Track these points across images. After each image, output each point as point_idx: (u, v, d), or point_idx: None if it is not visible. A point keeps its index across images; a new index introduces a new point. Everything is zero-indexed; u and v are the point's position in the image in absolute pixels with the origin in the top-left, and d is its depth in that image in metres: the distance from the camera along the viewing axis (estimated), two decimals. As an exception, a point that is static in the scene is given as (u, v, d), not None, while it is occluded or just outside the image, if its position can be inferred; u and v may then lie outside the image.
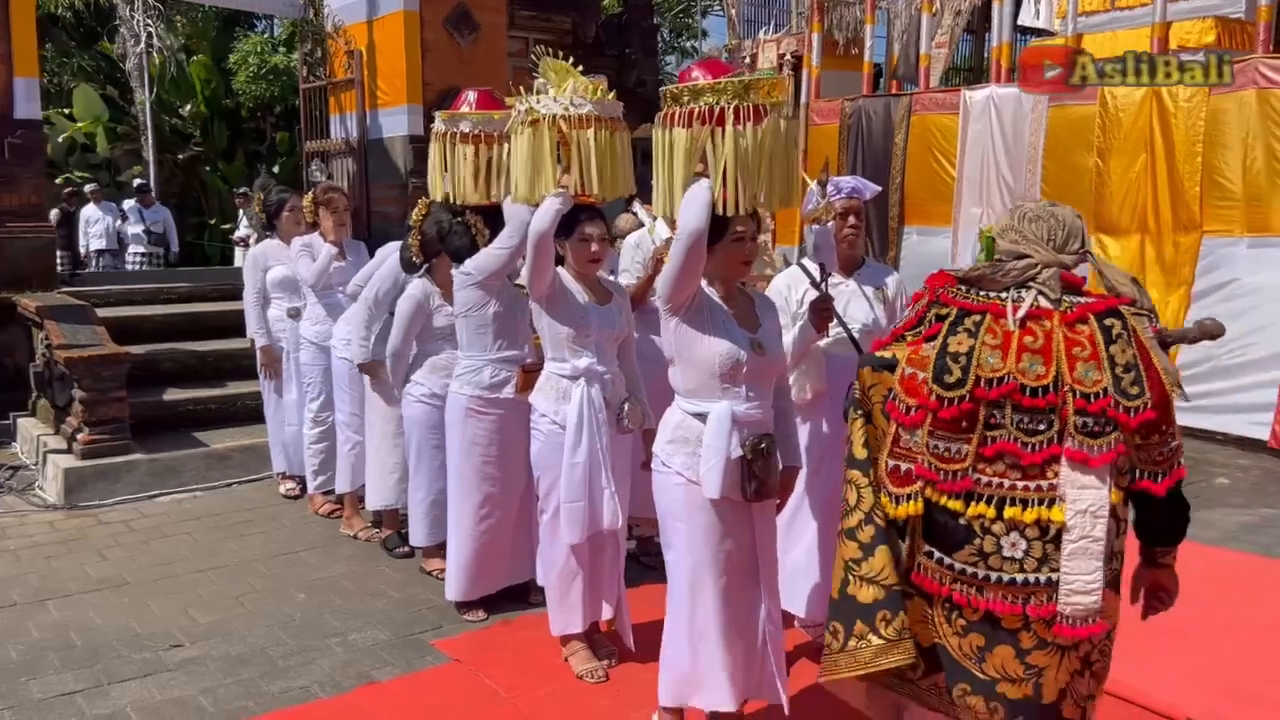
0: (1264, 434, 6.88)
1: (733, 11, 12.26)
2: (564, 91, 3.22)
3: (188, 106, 18.97)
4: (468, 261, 3.97)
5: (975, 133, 8.81)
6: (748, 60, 11.29)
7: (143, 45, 16.22)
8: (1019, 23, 10.07)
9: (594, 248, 3.57)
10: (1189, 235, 7.41)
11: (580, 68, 3.38)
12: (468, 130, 3.99)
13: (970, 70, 13.68)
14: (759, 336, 2.97)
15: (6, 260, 7.20)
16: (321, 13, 9.82)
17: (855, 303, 3.53)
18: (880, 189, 4.13)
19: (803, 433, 3.61)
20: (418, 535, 4.62)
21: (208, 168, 19.12)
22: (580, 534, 3.54)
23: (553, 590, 3.71)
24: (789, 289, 3.58)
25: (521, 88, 3.41)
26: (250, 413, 6.66)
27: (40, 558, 4.95)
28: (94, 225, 13.16)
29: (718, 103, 2.78)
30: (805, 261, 3.66)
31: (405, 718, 3.43)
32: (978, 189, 8.82)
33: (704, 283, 2.94)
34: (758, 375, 2.95)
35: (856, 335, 3.46)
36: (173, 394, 6.88)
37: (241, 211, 13.97)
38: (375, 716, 3.43)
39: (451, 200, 4.11)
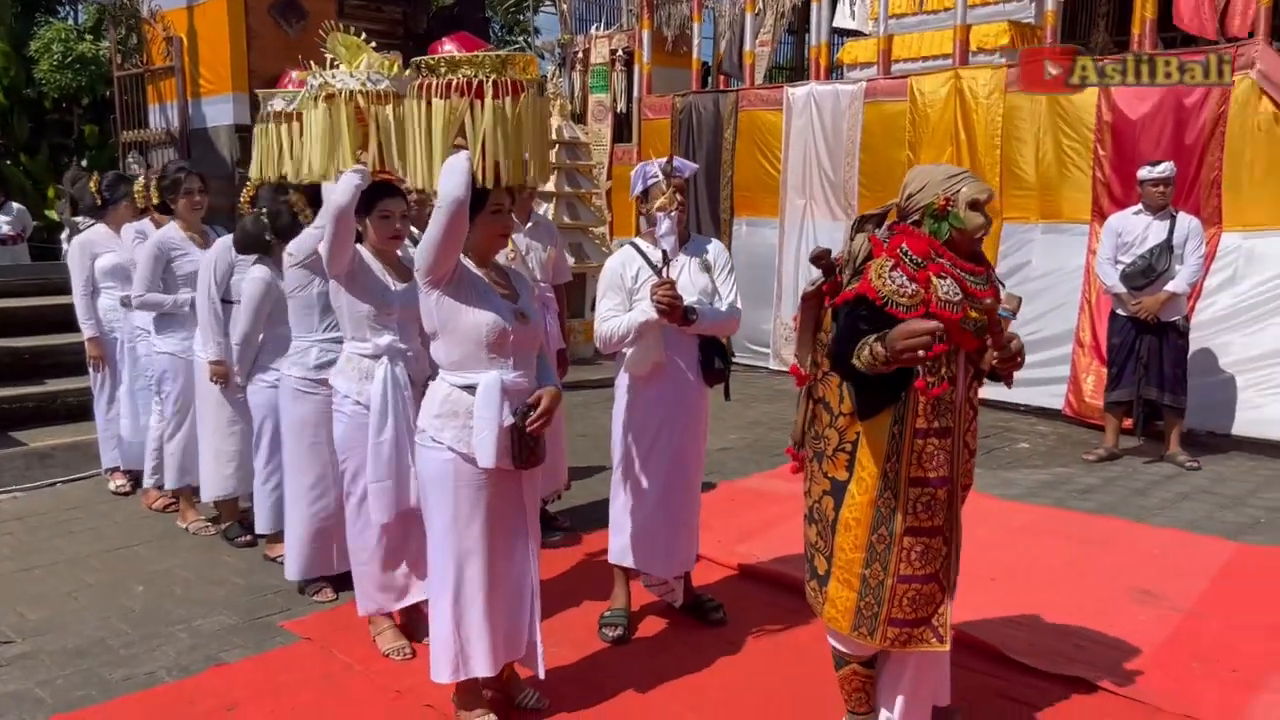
0: (1060, 404, 7.54)
1: (564, 7, 12.41)
2: (359, 67, 3.26)
3: (-17, 96, 17.70)
4: (291, 243, 3.97)
5: (798, 128, 9.25)
6: (580, 55, 11.49)
7: (-69, 30, 15.07)
8: (835, 24, 10.60)
9: (396, 224, 3.60)
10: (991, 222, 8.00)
11: (373, 44, 3.43)
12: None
13: (793, 69, 14.26)
14: (520, 306, 3.07)
15: None
16: (136, -3, 9.47)
17: (687, 274, 3.72)
18: (697, 167, 4.33)
19: (643, 402, 3.79)
20: (262, 522, 4.59)
21: (8, 161, 17.90)
22: (389, 513, 3.56)
23: (361, 571, 3.74)
24: (623, 266, 3.74)
25: (313, 62, 3.43)
26: (73, 410, 6.41)
27: None
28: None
29: (476, 75, 2.83)
30: (638, 241, 3.83)
31: (258, 695, 3.42)
32: (801, 181, 9.26)
33: (461, 255, 3.00)
34: (523, 344, 3.05)
35: (692, 303, 3.63)
36: (-16, 393, 6.53)
37: None
38: (226, 696, 3.41)
39: (287, 180, 4.07)
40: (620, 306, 3.70)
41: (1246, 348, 6.73)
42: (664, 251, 3.59)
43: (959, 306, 2.66)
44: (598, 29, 11.80)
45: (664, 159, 3.65)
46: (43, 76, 17.30)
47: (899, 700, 2.94)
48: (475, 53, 2.90)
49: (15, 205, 13.07)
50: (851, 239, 2.84)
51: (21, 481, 5.81)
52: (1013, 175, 7.82)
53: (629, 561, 3.89)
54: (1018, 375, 2.93)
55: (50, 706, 3.35)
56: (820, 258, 2.78)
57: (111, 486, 5.76)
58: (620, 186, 10.93)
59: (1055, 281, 7.66)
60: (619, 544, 3.90)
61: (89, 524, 5.23)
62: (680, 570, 3.94)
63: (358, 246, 3.58)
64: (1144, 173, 6.24)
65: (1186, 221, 6.21)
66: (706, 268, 3.80)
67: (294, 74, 4.02)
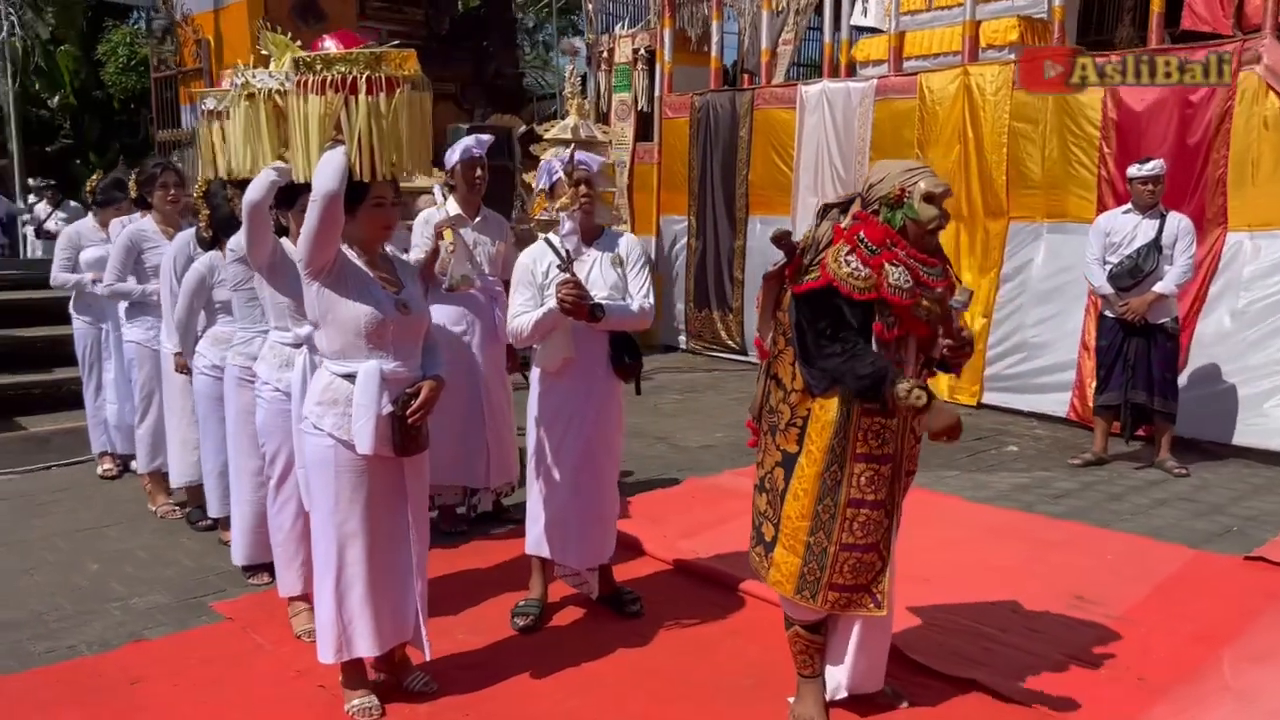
0: (1064, 409, 7.33)
1: (590, 6, 12.51)
2: (282, 66, 3.36)
3: (55, 98, 18.51)
4: (234, 237, 4.09)
5: (810, 126, 9.18)
6: (605, 54, 11.56)
7: (4, 33, 15.80)
8: (851, 21, 10.50)
9: None
10: (998, 221, 7.85)
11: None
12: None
13: (819, 66, 14.14)
14: (403, 297, 3.13)
15: None
16: (170, 2, 9.80)
17: (596, 270, 3.75)
18: (606, 160, 4.35)
19: (554, 396, 3.83)
20: (212, 506, 4.73)
21: (78, 161, 18.68)
22: None
23: (280, 552, 3.84)
24: (534, 262, 3.76)
25: (239, 61, 3.54)
26: (77, 398, 6.63)
27: None
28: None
29: (350, 72, 2.91)
30: (550, 237, 3.86)
31: (164, 671, 3.55)
32: (813, 179, 9.18)
33: (345, 247, 3.08)
34: (404, 335, 3.12)
35: (602, 299, 3.65)
36: (-4, 379, 6.84)
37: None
38: (133, 671, 3.54)
39: (227, 175, 4.19)
40: (531, 302, 3.74)
41: (1253, 352, 6.50)
42: (566, 251, 3.63)
43: (909, 294, 2.84)
44: (622, 28, 11.85)
45: (565, 155, 3.69)
46: (110, 79, 18.03)
47: (846, 660, 3.17)
48: (351, 50, 2.98)
49: (72, 203, 13.68)
50: (817, 225, 3.01)
51: (17, 464, 6.09)
52: (1019, 173, 7.66)
53: (545, 551, 3.93)
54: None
55: (-34, 676, 3.53)
56: (781, 239, 2.95)
57: (99, 470, 5.99)
58: (641, 185, 10.97)
59: (1061, 283, 7.46)
60: (534, 534, 3.95)
61: (68, 505, 5.46)
62: (593, 562, 3.96)
63: (282, 240, 3.69)
64: (1133, 170, 6.07)
65: (1176, 221, 6.02)
66: (618, 263, 3.82)
67: (227, 72, 4.14)
